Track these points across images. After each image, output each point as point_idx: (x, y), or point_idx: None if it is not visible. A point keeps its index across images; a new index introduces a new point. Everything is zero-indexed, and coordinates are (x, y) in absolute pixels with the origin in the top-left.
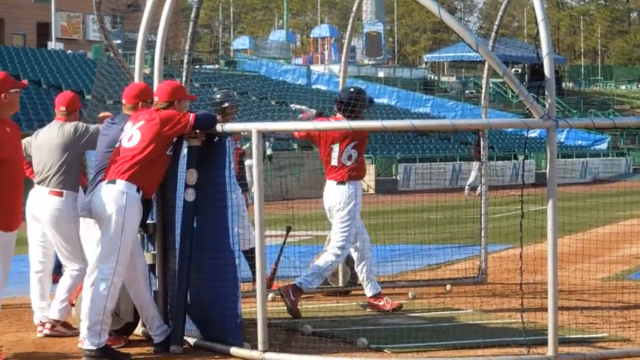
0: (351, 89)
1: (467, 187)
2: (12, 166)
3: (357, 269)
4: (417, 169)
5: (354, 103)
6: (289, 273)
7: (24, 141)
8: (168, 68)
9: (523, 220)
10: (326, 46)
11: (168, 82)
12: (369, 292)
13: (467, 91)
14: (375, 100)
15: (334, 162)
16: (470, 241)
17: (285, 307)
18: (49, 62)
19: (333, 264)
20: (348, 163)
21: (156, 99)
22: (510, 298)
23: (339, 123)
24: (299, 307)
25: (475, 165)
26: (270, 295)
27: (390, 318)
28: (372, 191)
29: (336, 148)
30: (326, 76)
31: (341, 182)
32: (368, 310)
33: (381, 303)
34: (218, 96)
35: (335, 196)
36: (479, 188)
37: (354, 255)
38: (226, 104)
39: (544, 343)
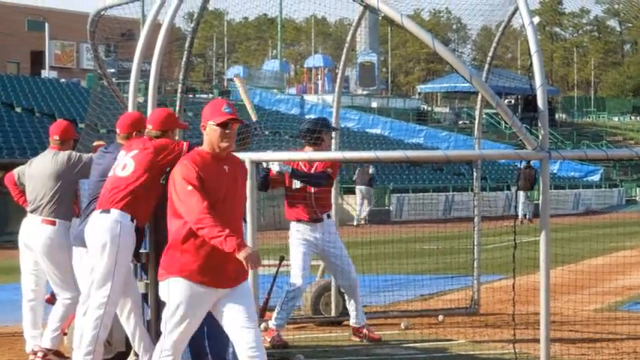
0: (311, 118)
1: (520, 216)
2: (224, 208)
3: (347, 302)
4: (410, 199)
5: (317, 130)
6: None
7: (17, 170)
8: (161, 97)
9: (516, 251)
10: (320, 76)
11: (162, 110)
12: (353, 321)
13: (460, 122)
14: (368, 130)
15: None
16: (462, 271)
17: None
18: (43, 90)
19: (288, 294)
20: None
21: (149, 127)
22: (503, 329)
23: (333, 153)
24: (289, 336)
25: (521, 194)
26: (263, 325)
27: (381, 348)
28: (363, 222)
29: None
30: (319, 106)
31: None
32: (353, 338)
33: (361, 334)
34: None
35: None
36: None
37: (340, 284)
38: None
39: None
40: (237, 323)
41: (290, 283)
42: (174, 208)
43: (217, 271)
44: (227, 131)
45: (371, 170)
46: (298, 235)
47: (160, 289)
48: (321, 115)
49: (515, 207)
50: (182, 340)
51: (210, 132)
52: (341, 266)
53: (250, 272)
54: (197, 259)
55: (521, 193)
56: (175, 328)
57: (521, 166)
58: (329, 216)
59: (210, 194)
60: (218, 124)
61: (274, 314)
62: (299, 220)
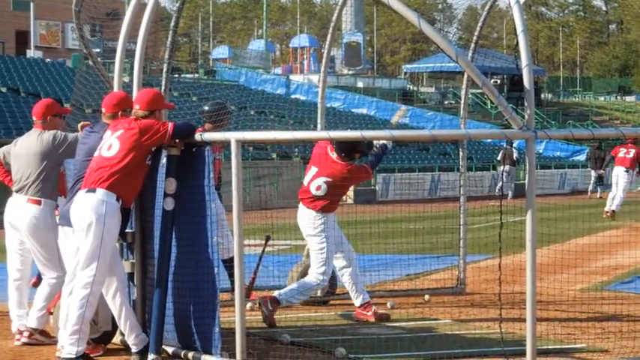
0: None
1: (591, 191)
2: None
3: (343, 280)
4: (395, 179)
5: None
6: (268, 282)
7: (2, 149)
8: (147, 77)
9: (502, 230)
10: (305, 56)
11: (149, 90)
12: (357, 301)
13: (446, 102)
14: (354, 110)
15: (304, 181)
16: (449, 251)
17: (262, 316)
18: (28, 70)
19: (316, 287)
20: (314, 192)
21: (136, 107)
22: (489, 309)
23: (319, 132)
24: (275, 316)
25: (593, 172)
26: (249, 305)
27: (368, 328)
28: (350, 201)
29: (311, 171)
30: (305, 86)
31: (308, 207)
32: (356, 318)
33: (369, 313)
34: (206, 108)
35: (303, 219)
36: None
37: (338, 265)
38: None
39: (522, 353)
40: None
41: (323, 272)
42: None
43: None
44: None
45: (515, 154)
46: (329, 225)
47: None
48: (311, 96)
49: (503, 186)
50: None
51: None
52: (347, 249)
53: (236, 252)
54: None
55: (593, 173)
56: None
57: (593, 147)
58: None
59: None
60: None
61: (287, 290)
62: (328, 211)
